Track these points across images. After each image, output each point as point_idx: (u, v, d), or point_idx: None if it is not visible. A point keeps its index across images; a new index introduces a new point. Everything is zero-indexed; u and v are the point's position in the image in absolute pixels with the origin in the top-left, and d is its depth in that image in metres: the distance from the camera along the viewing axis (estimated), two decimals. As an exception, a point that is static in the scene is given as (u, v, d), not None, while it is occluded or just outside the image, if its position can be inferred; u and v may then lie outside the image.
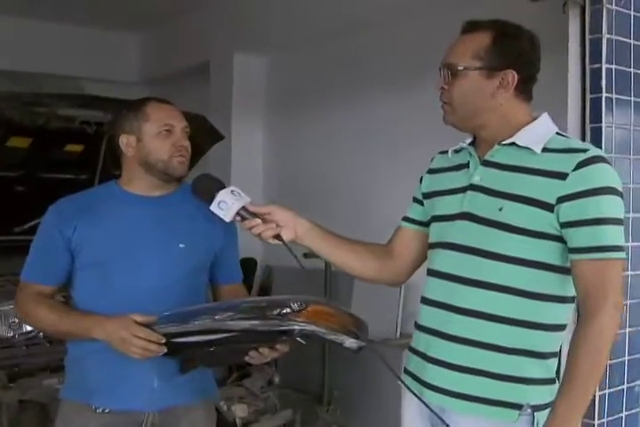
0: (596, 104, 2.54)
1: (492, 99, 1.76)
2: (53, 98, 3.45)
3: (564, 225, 1.66)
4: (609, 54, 2.54)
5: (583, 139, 2.57)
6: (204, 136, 3.73)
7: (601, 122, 2.53)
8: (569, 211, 1.65)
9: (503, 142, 1.76)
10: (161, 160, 2.04)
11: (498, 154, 1.78)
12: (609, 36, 2.55)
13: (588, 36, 2.57)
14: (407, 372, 1.88)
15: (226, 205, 1.83)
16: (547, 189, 1.67)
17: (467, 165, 1.84)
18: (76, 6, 5.50)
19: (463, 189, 1.81)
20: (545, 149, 1.72)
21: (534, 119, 1.79)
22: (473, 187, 1.79)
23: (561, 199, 1.65)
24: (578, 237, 1.65)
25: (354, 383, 4.05)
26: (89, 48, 6.16)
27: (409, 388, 1.77)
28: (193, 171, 2.15)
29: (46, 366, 2.90)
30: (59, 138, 3.63)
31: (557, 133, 1.77)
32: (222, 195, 1.83)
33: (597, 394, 2.39)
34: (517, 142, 1.75)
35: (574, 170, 1.65)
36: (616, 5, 2.57)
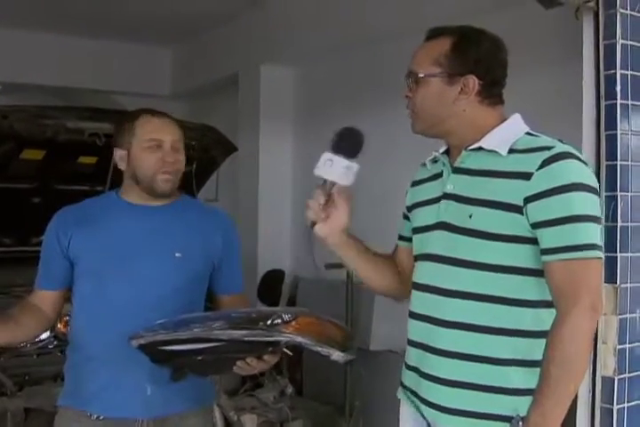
0: (611, 111, 2.47)
1: (453, 105, 1.72)
2: (60, 110, 3.49)
3: (534, 226, 1.61)
4: (623, 60, 2.48)
5: (598, 146, 2.51)
6: (216, 148, 3.73)
7: (616, 129, 2.47)
8: (536, 211, 1.60)
9: (470, 148, 1.73)
10: (147, 176, 2.04)
11: (467, 160, 1.74)
12: (623, 41, 2.49)
13: (602, 42, 2.52)
14: (404, 386, 1.85)
15: (330, 168, 1.75)
16: (513, 191, 1.63)
17: (441, 175, 1.81)
18: (108, 22, 5.63)
19: (438, 199, 1.78)
20: (512, 151, 1.67)
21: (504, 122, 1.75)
22: (446, 196, 1.76)
23: (527, 200, 1.61)
24: (546, 238, 1.60)
25: (376, 395, 4.00)
26: (121, 63, 6.29)
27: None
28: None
29: (56, 374, 2.91)
30: (72, 150, 3.66)
31: (528, 133, 1.72)
32: (339, 161, 1.73)
33: (616, 378, 2.30)
34: (483, 146, 1.71)
35: (539, 169, 1.60)
36: (631, 10, 2.51)
